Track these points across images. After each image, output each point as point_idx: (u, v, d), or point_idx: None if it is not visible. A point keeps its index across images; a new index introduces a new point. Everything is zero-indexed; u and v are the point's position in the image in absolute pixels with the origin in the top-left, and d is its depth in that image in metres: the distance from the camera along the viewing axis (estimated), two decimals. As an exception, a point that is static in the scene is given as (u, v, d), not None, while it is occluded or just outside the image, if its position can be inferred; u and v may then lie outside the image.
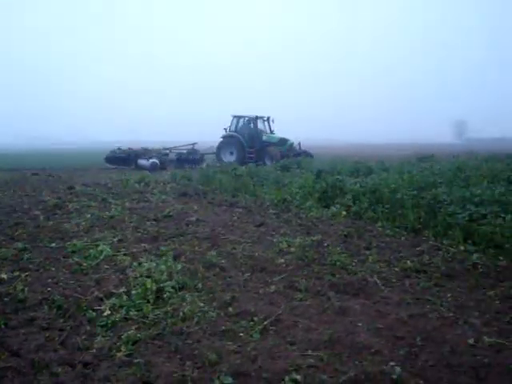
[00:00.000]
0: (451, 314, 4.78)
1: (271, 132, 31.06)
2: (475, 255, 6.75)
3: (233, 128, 30.91)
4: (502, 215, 7.67)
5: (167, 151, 30.72)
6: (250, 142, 29.98)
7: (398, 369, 3.55)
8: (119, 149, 29.98)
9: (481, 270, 6.29)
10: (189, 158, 29.23)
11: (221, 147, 30.69)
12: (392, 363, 3.72)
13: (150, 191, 14.96)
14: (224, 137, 30.97)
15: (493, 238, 7.22)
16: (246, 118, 30.97)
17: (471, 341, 4.08)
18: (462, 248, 7.27)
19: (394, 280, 5.93)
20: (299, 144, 30.59)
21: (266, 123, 31.23)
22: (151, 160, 27.27)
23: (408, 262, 6.62)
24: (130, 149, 29.78)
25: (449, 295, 5.37)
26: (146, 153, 28.96)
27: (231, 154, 30.08)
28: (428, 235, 8.14)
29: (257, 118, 30.52)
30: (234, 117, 31.13)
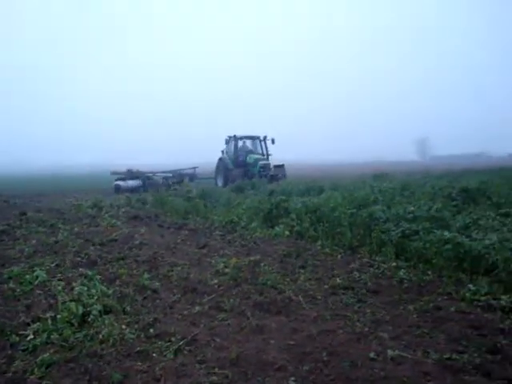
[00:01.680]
0: (366, 329, 4.88)
1: (267, 153, 29.26)
2: (402, 271, 6.92)
3: (226, 149, 30.12)
4: (435, 231, 7.86)
5: (150, 174, 28.71)
6: (234, 164, 28.74)
7: (292, 384, 3.65)
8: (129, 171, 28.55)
9: (406, 285, 6.44)
10: (167, 182, 27.76)
11: (216, 170, 30.01)
12: (293, 378, 3.81)
13: (101, 216, 14.87)
14: (219, 159, 30.04)
15: (423, 253, 7.41)
16: (230, 139, 29.74)
17: (372, 354, 4.18)
18: (393, 264, 7.41)
19: (319, 297, 6.03)
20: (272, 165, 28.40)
21: (261, 143, 29.55)
22: (115, 182, 26.80)
23: (338, 279, 6.76)
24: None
25: (368, 311, 5.48)
26: (127, 175, 27.96)
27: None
28: (364, 252, 8.28)
29: (235, 137, 29.14)
30: (227, 137, 30.15)
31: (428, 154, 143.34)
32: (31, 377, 4.11)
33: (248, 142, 30.30)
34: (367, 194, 12.07)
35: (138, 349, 4.57)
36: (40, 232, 11.65)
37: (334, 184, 18.38)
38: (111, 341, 4.72)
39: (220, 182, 28.64)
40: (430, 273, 6.87)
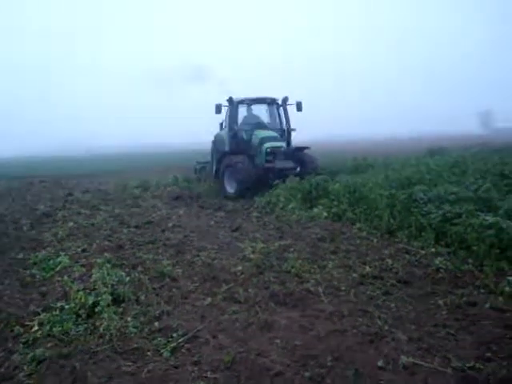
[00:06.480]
0: (385, 328, 4.39)
1: (287, 127, 17.12)
2: (439, 259, 6.30)
3: (225, 122, 18.05)
4: (479, 214, 7.19)
5: None
6: (233, 146, 16.92)
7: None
8: None
9: (441, 275, 5.85)
10: None
11: (211, 157, 18.78)
12: (286, 388, 3.41)
13: (145, 196, 14.83)
14: (215, 137, 18.87)
15: (464, 239, 6.78)
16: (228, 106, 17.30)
17: (381, 362, 3.71)
18: (432, 250, 6.83)
19: (343, 288, 5.56)
20: None
21: (279, 111, 17.49)
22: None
23: (368, 267, 6.26)
24: None
25: (393, 305, 4.99)
26: None
27: None
28: (402, 237, 7.71)
29: (232, 101, 16.77)
30: (226, 102, 17.11)
31: (492, 126, 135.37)
32: (20, 374, 3.91)
33: (258, 110, 17.73)
34: (413, 173, 11.37)
35: (135, 345, 4.29)
36: (80, 214, 11.64)
37: (385, 161, 17.57)
38: (108, 336, 4.46)
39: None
40: (470, 261, 6.25)
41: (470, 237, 6.64)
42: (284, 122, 16.67)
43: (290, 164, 14.78)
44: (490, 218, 6.57)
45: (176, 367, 3.86)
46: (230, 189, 14.64)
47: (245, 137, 16.11)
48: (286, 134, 16.46)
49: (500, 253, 6.11)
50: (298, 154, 15.60)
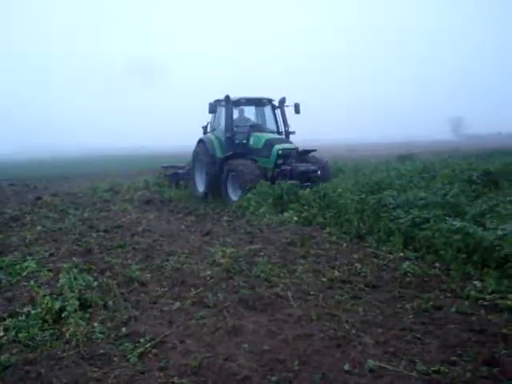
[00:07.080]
0: (353, 332, 4.42)
1: (286, 129, 16.24)
2: (407, 263, 6.38)
3: (212, 124, 16.90)
4: (447, 219, 7.30)
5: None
6: (227, 148, 15.53)
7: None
8: None
9: (408, 279, 5.93)
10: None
11: (193, 161, 17.11)
12: (255, 392, 3.41)
13: (115, 200, 14.70)
14: (198, 142, 17.26)
15: (432, 243, 6.88)
16: (219, 105, 16.19)
17: (347, 366, 3.72)
18: (400, 255, 6.93)
19: (311, 293, 5.58)
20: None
21: (275, 113, 16.56)
22: None
23: (337, 271, 6.31)
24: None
25: (360, 309, 5.03)
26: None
27: None
28: (371, 241, 7.79)
29: (229, 100, 15.36)
30: (214, 102, 15.97)
31: (462, 132, 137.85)
32: (-16, 380, 3.83)
33: (249, 112, 16.48)
34: (382, 178, 11.51)
35: (102, 351, 4.24)
36: (49, 218, 11.48)
37: (355, 166, 17.76)
38: (75, 341, 4.41)
39: (200, 186, 15.75)
40: (437, 265, 6.36)
41: (437, 241, 6.74)
42: (281, 124, 15.71)
43: (312, 167, 13.50)
44: (457, 223, 6.69)
45: (143, 373, 3.83)
46: (234, 196, 13.58)
47: (237, 139, 15.02)
48: (283, 136, 15.43)
49: (467, 257, 6.21)
50: (307, 157, 14.56)
